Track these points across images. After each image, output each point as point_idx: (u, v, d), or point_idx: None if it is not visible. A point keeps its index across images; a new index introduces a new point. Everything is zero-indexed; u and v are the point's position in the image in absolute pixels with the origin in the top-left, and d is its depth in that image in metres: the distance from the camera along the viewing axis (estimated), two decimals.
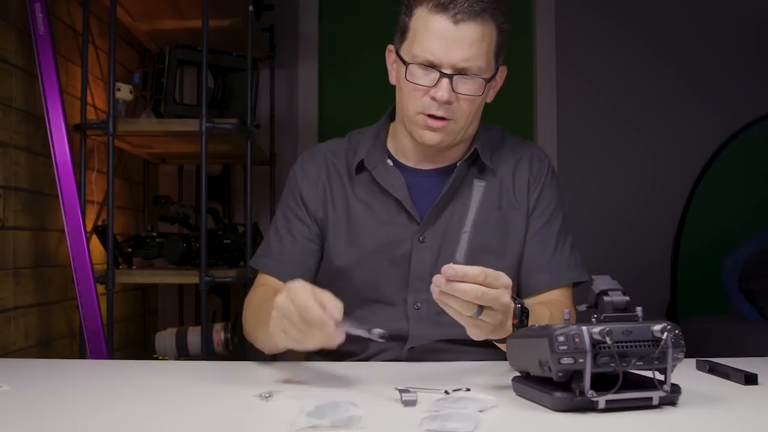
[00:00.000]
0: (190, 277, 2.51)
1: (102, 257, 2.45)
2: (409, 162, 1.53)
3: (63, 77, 2.30)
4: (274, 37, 3.37)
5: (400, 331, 1.47)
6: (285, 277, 1.49)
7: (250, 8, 2.56)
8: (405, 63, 1.40)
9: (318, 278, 1.55)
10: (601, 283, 1.03)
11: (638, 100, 3.64)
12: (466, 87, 1.39)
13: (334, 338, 1.11)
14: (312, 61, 3.58)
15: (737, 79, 3.61)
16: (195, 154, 2.53)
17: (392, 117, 1.57)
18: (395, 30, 1.46)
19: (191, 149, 2.70)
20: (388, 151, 1.54)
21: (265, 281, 1.53)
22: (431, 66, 1.37)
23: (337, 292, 1.47)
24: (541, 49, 3.64)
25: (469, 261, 1.47)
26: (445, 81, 1.37)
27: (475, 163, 1.52)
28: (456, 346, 1.47)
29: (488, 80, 1.40)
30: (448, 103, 1.38)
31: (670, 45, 3.64)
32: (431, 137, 1.42)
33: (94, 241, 2.42)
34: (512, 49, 4.05)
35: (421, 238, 1.48)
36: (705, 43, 3.64)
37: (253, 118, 2.59)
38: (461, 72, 1.37)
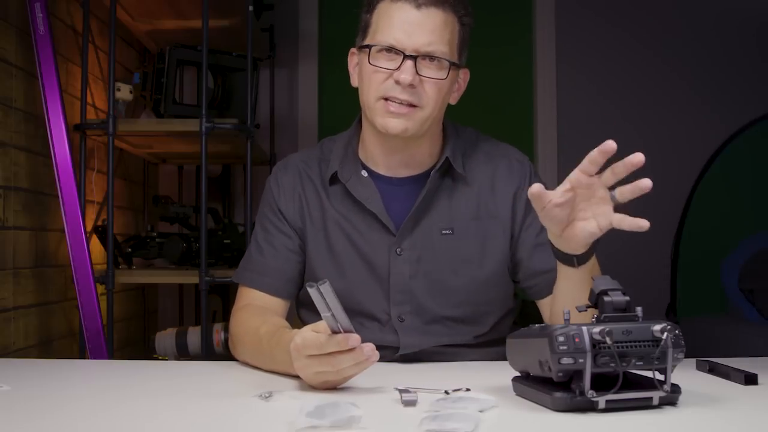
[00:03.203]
0: (190, 277, 2.51)
1: (102, 257, 2.45)
2: (381, 170, 1.49)
3: (63, 77, 2.30)
4: (274, 37, 3.37)
5: (391, 342, 1.45)
6: (270, 291, 1.49)
7: (250, 8, 2.56)
8: (368, 47, 1.38)
9: (301, 293, 1.53)
10: (601, 283, 1.03)
11: (638, 99, 3.64)
12: (431, 70, 1.37)
13: (364, 352, 1.10)
14: (312, 61, 3.58)
15: (738, 78, 3.61)
16: (195, 154, 2.53)
17: (361, 124, 1.54)
18: (357, 33, 1.46)
19: (191, 149, 2.70)
20: (360, 161, 1.51)
21: (251, 299, 1.49)
22: (394, 51, 1.36)
23: None
24: (541, 49, 3.64)
25: (451, 272, 1.46)
26: (408, 63, 1.35)
27: (448, 171, 1.48)
28: (446, 348, 1.47)
29: (452, 64, 1.38)
30: (411, 86, 1.36)
31: (670, 45, 3.64)
32: (395, 124, 1.38)
33: (94, 241, 2.42)
34: (512, 49, 4.06)
35: (398, 251, 1.46)
36: (705, 43, 3.64)
37: (253, 118, 2.59)
38: (425, 56, 1.36)
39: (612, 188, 1.20)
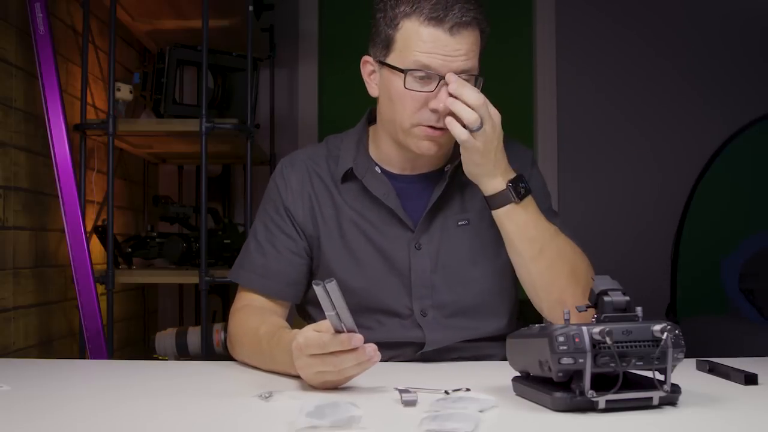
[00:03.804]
0: (190, 277, 2.51)
1: (102, 257, 2.45)
2: (394, 169, 1.50)
3: (63, 77, 2.30)
4: (274, 37, 3.37)
5: (414, 338, 1.45)
6: (271, 293, 1.48)
7: (250, 8, 2.56)
8: (402, 71, 1.37)
9: (309, 291, 1.53)
10: (601, 283, 1.03)
11: (639, 98, 3.63)
12: None
13: (366, 352, 1.10)
14: (312, 61, 3.58)
15: (738, 78, 3.61)
16: (195, 154, 2.53)
17: (369, 122, 1.55)
18: (373, 41, 1.44)
19: (191, 149, 2.70)
20: (372, 159, 1.52)
21: (250, 300, 1.49)
22: (428, 74, 1.36)
23: None
24: (541, 46, 3.64)
25: (470, 262, 1.49)
26: (445, 90, 1.35)
27: (459, 165, 1.47)
28: (469, 344, 1.48)
29: (477, 78, 1.40)
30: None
31: (671, 43, 3.64)
32: (430, 147, 1.41)
33: (94, 241, 2.42)
34: (512, 47, 4.04)
35: (417, 246, 1.47)
36: (706, 41, 3.64)
37: (253, 118, 2.59)
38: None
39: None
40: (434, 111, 1.36)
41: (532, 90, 3.68)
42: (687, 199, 3.46)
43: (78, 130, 2.35)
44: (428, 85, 1.36)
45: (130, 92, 2.46)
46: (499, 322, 1.50)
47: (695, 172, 3.47)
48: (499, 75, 3.63)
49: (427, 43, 1.35)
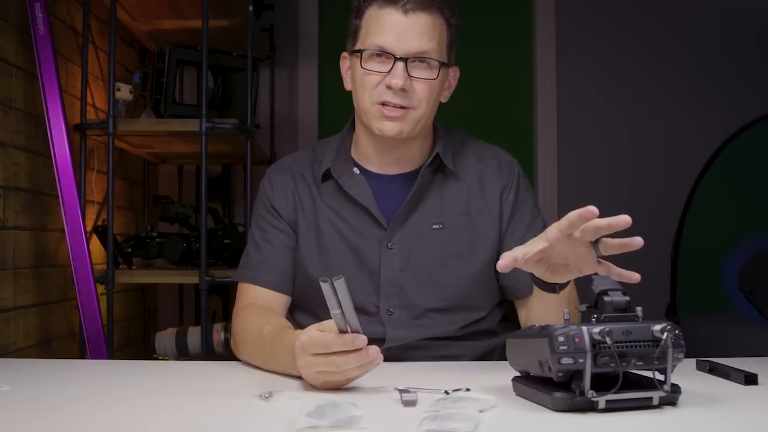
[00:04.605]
0: (190, 277, 2.51)
1: (102, 257, 2.45)
2: (373, 167, 1.53)
3: (63, 77, 2.30)
4: (274, 37, 3.37)
5: (376, 334, 1.46)
6: (270, 286, 1.51)
7: (250, 8, 2.56)
8: (359, 52, 1.42)
9: (296, 294, 1.54)
10: (601, 283, 1.03)
11: (639, 99, 3.64)
12: (421, 71, 1.41)
13: (369, 354, 1.10)
14: (312, 61, 3.58)
15: (738, 79, 3.61)
16: (195, 154, 2.53)
17: (354, 126, 1.58)
18: (347, 36, 1.49)
19: (191, 149, 2.70)
20: (352, 160, 1.55)
21: (253, 298, 1.50)
22: (384, 54, 1.40)
23: (311, 300, 1.49)
24: (542, 48, 3.64)
25: (441, 266, 1.49)
26: (399, 66, 1.39)
27: (439, 168, 1.52)
28: (432, 341, 1.48)
29: (442, 64, 1.42)
30: (403, 90, 1.39)
31: (670, 44, 3.64)
32: (391, 127, 1.42)
33: (94, 241, 2.42)
34: (512, 49, 4.05)
35: (389, 245, 1.48)
36: (706, 42, 3.64)
37: (253, 118, 2.59)
38: (415, 58, 1.40)
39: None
40: (389, 87, 1.40)
41: (532, 91, 3.68)
42: (687, 199, 3.46)
43: (78, 130, 2.35)
44: (384, 65, 1.40)
45: (130, 92, 2.46)
46: (466, 320, 1.50)
47: (695, 172, 3.47)
48: (499, 76, 3.64)
49: (382, 25, 1.40)
